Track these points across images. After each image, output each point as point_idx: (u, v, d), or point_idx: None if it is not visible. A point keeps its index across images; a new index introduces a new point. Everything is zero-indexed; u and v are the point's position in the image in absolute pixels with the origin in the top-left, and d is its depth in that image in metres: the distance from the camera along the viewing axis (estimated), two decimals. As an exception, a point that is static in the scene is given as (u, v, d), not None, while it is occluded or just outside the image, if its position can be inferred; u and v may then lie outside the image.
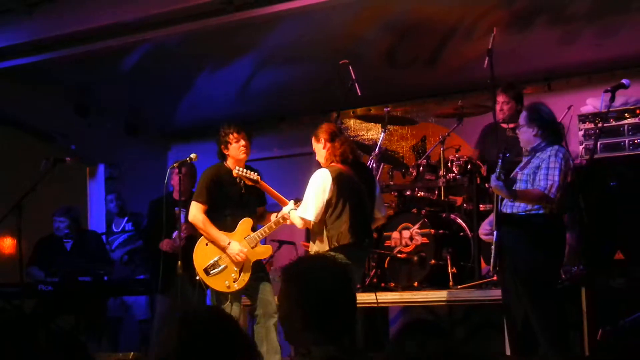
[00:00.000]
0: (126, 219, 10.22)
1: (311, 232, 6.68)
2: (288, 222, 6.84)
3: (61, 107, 10.20)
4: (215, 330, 2.80)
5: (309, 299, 3.07)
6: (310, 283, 3.10)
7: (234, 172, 6.88)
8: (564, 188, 6.06)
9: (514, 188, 6.11)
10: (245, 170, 6.88)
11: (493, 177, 6.04)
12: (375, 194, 6.80)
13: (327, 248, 6.49)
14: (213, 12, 8.31)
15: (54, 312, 8.43)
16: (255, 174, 6.90)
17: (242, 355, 2.82)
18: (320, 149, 6.72)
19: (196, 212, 7.01)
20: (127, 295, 9.41)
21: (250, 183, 6.89)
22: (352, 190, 6.57)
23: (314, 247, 6.62)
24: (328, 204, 6.50)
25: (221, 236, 6.96)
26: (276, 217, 6.93)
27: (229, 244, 6.93)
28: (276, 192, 6.93)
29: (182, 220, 7.83)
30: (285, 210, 6.83)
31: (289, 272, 3.20)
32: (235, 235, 6.98)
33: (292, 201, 6.84)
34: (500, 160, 6.04)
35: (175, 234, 8.09)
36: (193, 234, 7.38)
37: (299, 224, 6.64)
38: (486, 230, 6.49)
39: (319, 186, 6.51)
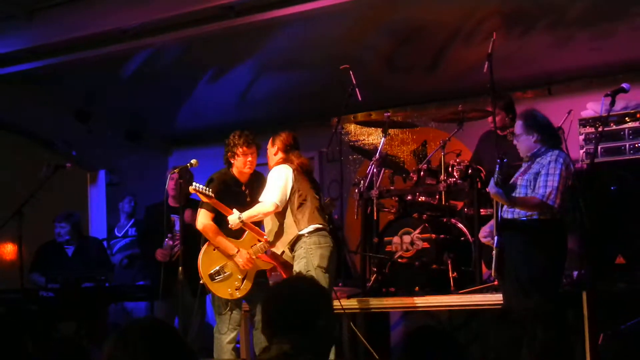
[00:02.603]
0: (131, 222, 10.21)
1: (279, 225, 6.84)
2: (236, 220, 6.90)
3: (62, 113, 10.20)
4: (155, 341, 2.84)
5: (293, 319, 3.20)
6: (293, 305, 3.23)
7: (190, 189, 6.93)
8: (564, 193, 6.05)
9: (513, 194, 6.11)
10: (200, 186, 6.89)
11: (491, 183, 6.04)
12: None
13: (296, 233, 6.72)
14: (214, 18, 8.32)
15: (55, 318, 8.42)
16: (210, 190, 6.91)
17: None
18: (272, 154, 7.00)
19: (204, 220, 6.98)
20: (127, 301, 9.42)
21: (205, 199, 6.90)
22: (310, 182, 6.91)
23: (284, 241, 6.79)
24: (292, 191, 6.74)
25: (229, 244, 6.95)
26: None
27: (237, 252, 6.92)
28: (229, 209, 6.93)
29: (178, 227, 7.86)
30: (231, 218, 6.88)
31: (274, 294, 3.34)
32: (242, 244, 6.99)
33: (235, 210, 6.89)
34: (497, 166, 6.04)
35: (166, 243, 8.11)
36: (186, 244, 7.39)
37: (263, 210, 6.75)
38: (486, 232, 6.49)
39: (282, 176, 6.77)
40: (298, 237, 6.72)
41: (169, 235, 8.11)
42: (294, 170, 6.81)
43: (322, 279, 6.49)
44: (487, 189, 7.20)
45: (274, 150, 6.99)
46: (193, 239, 7.28)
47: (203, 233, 7.03)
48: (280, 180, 6.75)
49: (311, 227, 6.71)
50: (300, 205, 6.75)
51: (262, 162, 7.29)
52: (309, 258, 6.64)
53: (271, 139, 7.04)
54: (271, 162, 7.01)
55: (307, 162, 7.01)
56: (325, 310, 3.26)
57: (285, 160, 6.91)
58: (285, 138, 6.97)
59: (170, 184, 8.09)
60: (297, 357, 3.10)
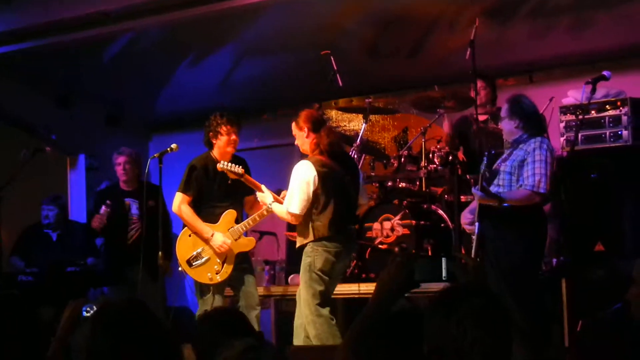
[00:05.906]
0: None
1: (297, 224, 6.64)
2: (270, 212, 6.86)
3: (42, 97, 10.12)
4: (130, 322, 2.79)
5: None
6: None
7: (218, 167, 6.84)
8: (552, 178, 6.09)
9: (496, 181, 6.14)
10: (229, 164, 6.84)
11: (474, 190, 6.07)
12: (359, 182, 6.81)
13: (312, 239, 6.50)
14: (195, 2, 8.27)
15: (33, 303, 8.37)
16: (240, 167, 6.85)
17: (161, 346, 2.83)
18: (303, 137, 6.62)
19: (180, 203, 6.98)
20: (107, 285, 9.36)
21: (234, 177, 6.86)
22: (335, 180, 6.56)
23: (300, 240, 6.62)
24: (314, 196, 6.47)
25: (205, 228, 6.94)
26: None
27: (212, 235, 6.91)
28: (260, 185, 6.89)
29: (135, 211, 7.92)
30: (261, 196, 6.81)
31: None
32: (218, 227, 6.97)
33: (266, 189, 6.81)
34: (485, 158, 6.08)
35: (102, 209, 8.13)
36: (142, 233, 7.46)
37: (286, 217, 6.63)
38: (468, 219, 6.51)
39: (304, 179, 6.45)
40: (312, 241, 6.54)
41: (108, 202, 8.12)
42: (316, 167, 6.45)
43: (317, 282, 6.46)
44: (467, 176, 7.27)
45: (304, 134, 6.59)
46: (153, 224, 7.30)
47: (179, 216, 7.05)
48: (302, 185, 6.43)
49: (326, 235, 6.49)
50: (319, 214, 6.48)
51: (239, 147, 7.23)
52: (313, 259, 6.49)
53: (294, 123, 6.64)
54: (304, 146, 6.66)
55: (335, 140, 6.65)
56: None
57: (316, 147, 6.54)
58: (309, 115, 6.61)
59: (118, 170, 8.22)
60: (265, 348, 3.01)
